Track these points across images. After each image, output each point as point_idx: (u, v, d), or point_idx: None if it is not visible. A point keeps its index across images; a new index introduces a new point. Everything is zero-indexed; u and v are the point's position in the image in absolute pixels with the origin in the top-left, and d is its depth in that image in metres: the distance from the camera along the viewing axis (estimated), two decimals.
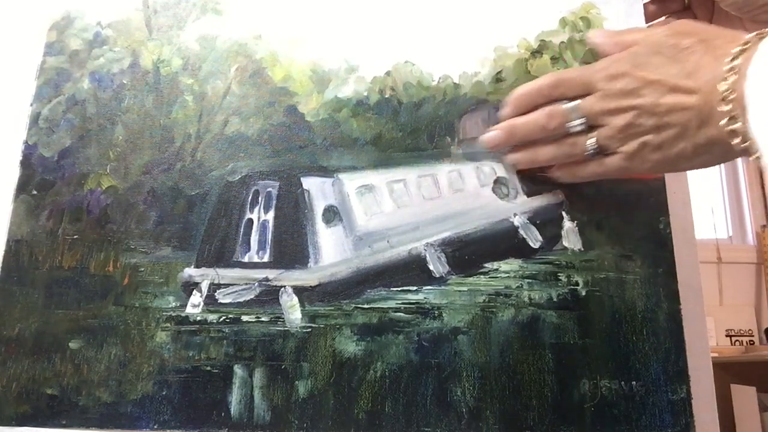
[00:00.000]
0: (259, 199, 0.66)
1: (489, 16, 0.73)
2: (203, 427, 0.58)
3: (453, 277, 0.64)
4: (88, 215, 0.66)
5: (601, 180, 0.67)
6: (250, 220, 0.65)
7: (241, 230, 0.65)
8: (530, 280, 0.64)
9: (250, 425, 0.58)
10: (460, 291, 0.63)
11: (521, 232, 0.66)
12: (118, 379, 0.60)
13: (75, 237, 0.65)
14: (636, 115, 0.53)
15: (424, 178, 0.67)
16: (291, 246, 0.64)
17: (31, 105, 0.69)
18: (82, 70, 0.71)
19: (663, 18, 0.73)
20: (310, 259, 0.63)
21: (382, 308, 0.62)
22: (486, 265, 0.64)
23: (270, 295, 0.62)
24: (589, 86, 0.57)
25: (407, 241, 0.65)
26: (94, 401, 0.59)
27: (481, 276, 0.64)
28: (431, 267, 0.64)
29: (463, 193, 0.67)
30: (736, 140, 0.47)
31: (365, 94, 0.70)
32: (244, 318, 0.62)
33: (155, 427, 0.58)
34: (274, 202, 0.66)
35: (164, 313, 0.62)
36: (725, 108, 0.47)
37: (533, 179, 0.67)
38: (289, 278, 0.63)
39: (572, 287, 0.63)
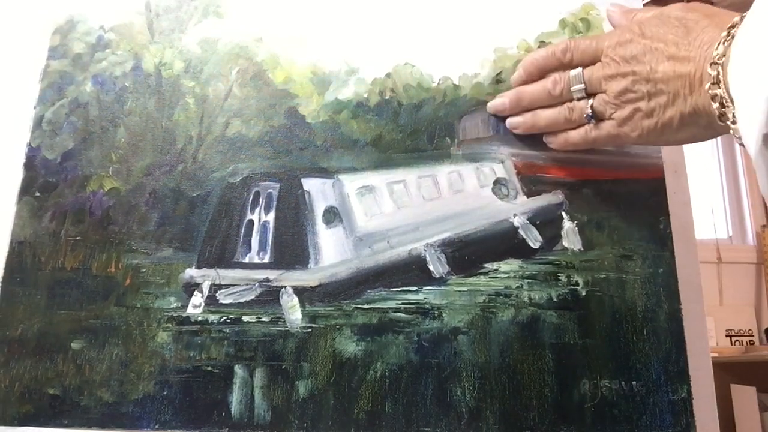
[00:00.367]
0: (260, 200, 0.66)
1: (489, 17, 0.74)
2: (204, 427, 0.59)
3: (453, 277, 0.64)
4: (90, 217, 0.66)
5: (600, 179, 0.67)
6: (251, 221, 0.66)
7: (242, 231, 0.65)
8: (530, 281, 0.64)
9: (250, 425, 0.59)
10: (460, 291, 0.63)
11: (521, 232, 0.66)
12: (119, 379, 0.60)
13: (77, 238, 0.65)
14: (633, 81, 0.54)
15: (424, 179, 0.68)
16: (291, 247, 0.64)
17: (35, 108, 0.70)
18: (84, 74, 0.71)
19: None
20: (310, 260, 0.64)
21: (382, 308, 0.62)
22: (486, 265, 0.64)
23: (270, 296, 0.63)
24: (597, 53, 0.58)
25: (407, 241, 0.65)
26: (96, 401, 0.60)
27: (481, 276, 0.64)
28: (431, 267, 0.64)
29: (463, 193, 0.68)
30: (715, 105, 0.47)
31: (365, 95, 0.70)
32: (245, 318, 0.62)
33: (156, 427, 0.59)
34: (275, 203, 0.66)
35: (165, 314, 0.62)
36: (712, 72, 0.47)
37: (533, 179, 0.68)
38: (290, 279, 0.63)
39: (572, 287, 0.63)
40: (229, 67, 0.71)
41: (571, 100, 0.62)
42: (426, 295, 0.63)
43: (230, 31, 0.73)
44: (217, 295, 0.63)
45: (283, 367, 0.60)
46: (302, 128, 0.69)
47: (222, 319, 0.62)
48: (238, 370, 0.60)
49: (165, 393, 0.60)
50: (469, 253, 0.65)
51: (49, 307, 0.63)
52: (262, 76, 0.71)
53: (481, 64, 0.71)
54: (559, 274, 0.64)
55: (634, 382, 0.59)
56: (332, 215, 0.65)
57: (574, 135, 0.63)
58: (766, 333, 2.53)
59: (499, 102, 0.67)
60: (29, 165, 0.68)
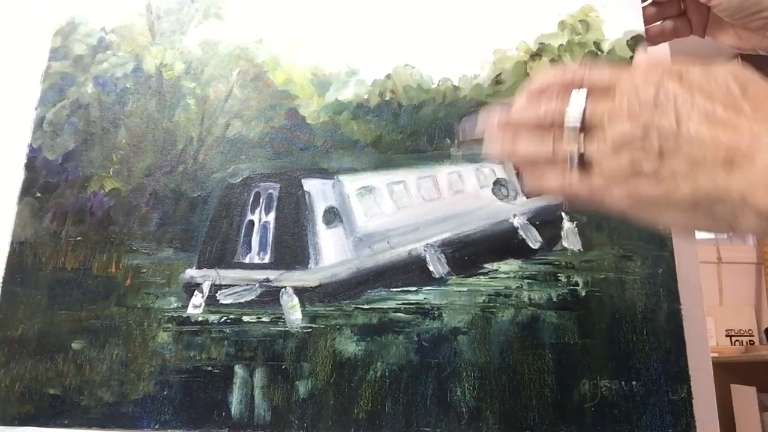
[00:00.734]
0: (260, 200, 0.66)
1: (488, 19, 0.74)
2: (204, 427, 0.59)
3: (453, 277, 0.64)
4: (91, 217, 0.66)
5: None
6: (251, 222, 0.66)
7: (242, 231, 0.65)
8: (530, 281, 0.64)
9: (250, 425, 0.59)
10: (459, 291, 0.63)
11: (521, 232, 0.66)
12: (119, 379, 0.60)
13: (78, 239, 0.66)
14: (646, 129, 0.39)
15: (424, 180, 0.68)
16: (292, 247, 0.64)
17: (36, 109, 0.70)
18: (86, 75, 0.72)
19: (660, 22, 0.74)
20: (310, 260, 0.64)
21: (382, 309, 0.62)
22: (486, 265, 0.64)
23: (271, 296, 0.63)
24: (612, 85, 0.42)
25: (407, 242, 0.65)
26: (96, 401, 0.60)
27: (481, 276, 0.64)
28: (431, 268, 0.64)
29: (463, 194, 0.68)
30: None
31: (365, 97, 0.70)
32: (245, 318, 0.62)
33: (156, 426, 0.59)
34: (275, 203, 0.66)
35: (166, 314, 0.62)
36: None
37: None
38: (290, 279, 0.63)
39: (572, 287, 0.63)
40: (229, 69, 0.72)
41: (561, 133, 0.44)
42: (426, 296, 0.63)
43: (231, 33, 0.73)
44: (217, 295, 0.63)
45: (283, 367, 0.60)
46: (302, 129, 0.69)
47: (222, 319, 0.62)
48: (239, 370, 0.60)
49: (165, 393, 0.60)
50: (469, 253, 0.65)
51: (50, 307, 0.63)
52: (262, 78, 0.71)
53: (480, 65, 0.72)
54: (558, 275, 0.64)
55: (634, 382, 0.59)
56: (332, 215, 0.65)
57: (552, 180, 0.46)
58: (766, 333, 2.53)
59: (487, 120, 0.49)
60: (30, 166, 0.68)
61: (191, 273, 0.64)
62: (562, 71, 0.46)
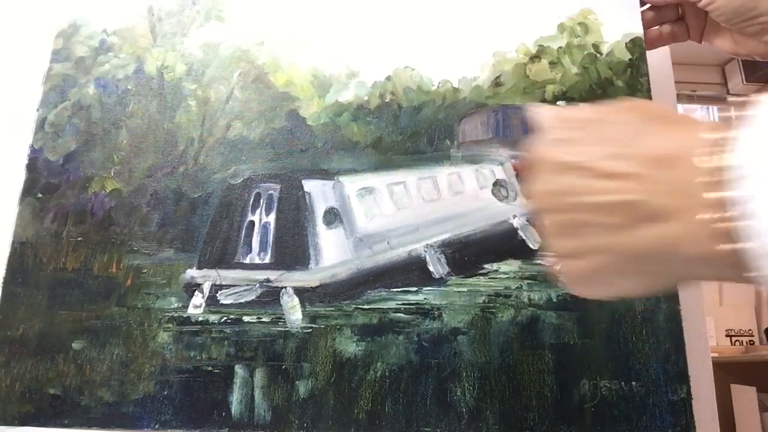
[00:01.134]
0: (261, 201, 0.67)
1: (488, 21, 0.74)
2: (204, 427, 0.59)
3: (453, 278, 0.64)
4: (92, 218, 0.67)
5: None
6: (252, 222, 0.66)
7: (243, 232, 0.66)
8: (530, 281, 0.64)
9: (250, 425, 0.59)
10: (459, 292, 0.63)
11: (520, 233, 0.66)
12: (120, 379, 0.60)
13: (79, 239, 0.66)
14: (556, 214, 0.37)
15: (424, 181, 0.68)
16: (292, 247, 0.65)
17: (38, 110, 0.71)
18: (87, 76, 0.72)
19: (658, 27, 0.74)
20: (310, 261, 0.64)
21: (383, 309, 0.63)
22: (486, 266, 0.65)
23: (271, 296, 0.63)
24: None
25: (407, 242, 0.65)
26: (96, 401, 0.60)
27: (481, 277, 0.64)
28: (431, 268, 0.64)
29: (463, 195, 0.68)
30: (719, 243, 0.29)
31: (366, 98, 0.71)
32: (246, 318, 0.62)
33: (156, 426, 0.59)
34: (276, 204, 0.66)
35: (166, 314, 0.63)
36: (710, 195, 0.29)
37: None
38: (290, 279, 0.63)
39: None
40: (230, 70, 0.72)
41: None
42: (426, 296, 0.63)
43: (232, 35, 0.74)
44: (217, 295, 0.63)
45: (284, 367, 0.60)
46: (303, 130, 0.70)
47: (222, 320, 0.62)
48: (239, 370, 0.60)
49: (165, 393, 0.60)
50: (469, 253, 0.65)
51: (50, 307, 0.63)
52: (263, 79, 0.72)
53: (480, 67, 0.72)
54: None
55: (634, 383, 0.60)
56: (333, 216, 0.66)
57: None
58: (766, 333, 2.52)
59: None
60: (31, 166, 0.69)
61: (192, 273, 0.64)
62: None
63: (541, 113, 0.40)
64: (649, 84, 0.72)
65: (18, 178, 0.68)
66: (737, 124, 0.30)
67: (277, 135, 0.69)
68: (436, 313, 0.62)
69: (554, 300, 0.63)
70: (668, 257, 0.32)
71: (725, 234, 0.29)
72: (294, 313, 0.62)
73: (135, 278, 0.64)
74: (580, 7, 0.74)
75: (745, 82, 2.75)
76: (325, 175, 0.67)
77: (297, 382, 0.60)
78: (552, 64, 0.73)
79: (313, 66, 0.72)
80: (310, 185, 0.67)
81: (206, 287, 0.63)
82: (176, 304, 0.63)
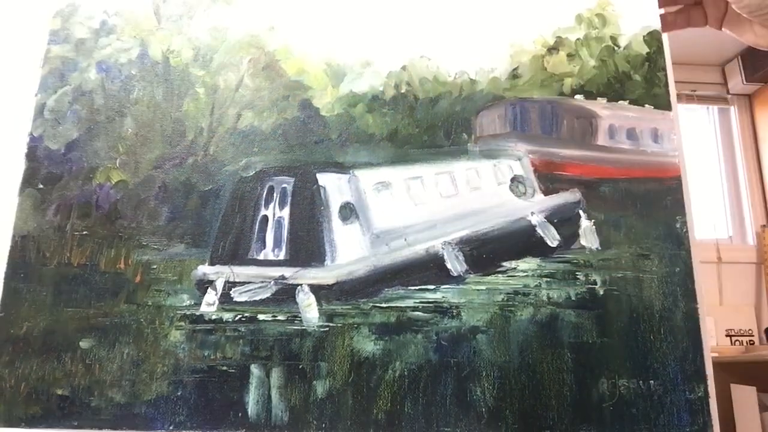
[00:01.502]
0: (274, 195, 0.65)
1: (505, 12, 0.72)
2: (220, 428, 0.57)
3: (471, 275, 0.63)
4: (97, 210, 0.64)
5: (617, 178, 0.67)
6: (265, 217, 0.64)
7: (256, 227, 0.64)
8: (548, 279, 0.63)
9: (267, 426, 0.57)
10: (478, 290, 0.63)
11: (539, 230, 0.66)
12: (131, 379, 0.58)
13: (84, 233, 0.63)
14: None
15: (441, 176, 0.66)
16: (307, 243, 0.63)
17: (36, 95, 0.67)
18: (88, 60, 0.68)
19: (675, 10, 0.73)
20: (326, 257, 0.62)
21: (400, 307, 0.61)
22: (504, 263, 0.64)
23: (286, 294, 0.61)
24: None
25: (425, 239, 0.64)
26: (107, 402, 0.58)
27: (499, 275, 0.63)
28: (449, 266, 0.63)
29: (481, 191, 0.67)
30: None
31: (381, 89, 0.69)
32: (261, 317, 0.61)
33: (171, 428, 0.57)
34: (290, 198, 0.64)
35: (178, 312, 0.61)
36: None
37: (551, 177, 0.67)
38: (306, 276, 0.61)
39: (590, 286, 0.63)
40: (240, 56, 0.69)
41: None
42: (444, 294, 0.62)
43: (241, 19, 0.70)
44: (231, 292, 0.61)
45: (300, 366, 0.59)
46: (316, 121, 0.67)
47: (237, 318, 0.60)
48: (255, 370, 0.59)
49: (179, 393, 0.58)
50: (487, 251, 0.64)
51: (56, 304, 0.61)
52: (274, 67, 0.69)
53: (497, 58, 0.70)
54: (577, 273, 0.64)
55: (652, 382, 0.60)
56: (348, 211, 0.64)
57: None
58: (766, 333, 2.57)
59: None
60: (31, 155, 0.65)
61: (204, 269, 0.62)
62: None
63: None
64: (667, 78, 0.71)
65: (17, 167, 0.64)
66: None
67: (290, 126, 0.67)
68: (454, 311, 0.62)
69: (573, 298, 0.62)
70: None
71: None
72: (310, 311, 0.61)
73: (144, 274, 0.62)
74: None
75: (745, 82, 2.77)
76: (340, 168, 0.66)
77: (314, 381, 0.59)
78: (570, 56, 0.72)
79: (327, 54, 0.70)
80: (324, 179, 0.65)
81: (219, 284, 0.61)
82: (188, 302, 0.61)
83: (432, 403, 0.59)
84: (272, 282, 0.61)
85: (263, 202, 0.64)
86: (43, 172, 0.65)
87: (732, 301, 2.65)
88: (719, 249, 2.70)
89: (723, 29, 0.72)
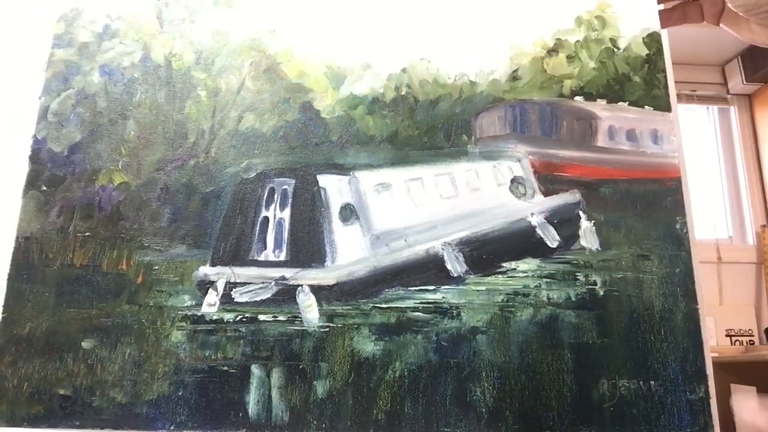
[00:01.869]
0: (275, 196, 0.65)
1: (505, 14, 0.73)
2: (221, 428, 0.57)
3: (471, 276, 0.63)
4: (99, 212, 0.64)
5: (617, 179, 0.67)
6: (266, 218, 0.64)
7: (257, 228, 0.64)
8: (548, 280, 0.63)
9: (268, 426, 0.58)
10: (478, 290, 0.63)
11: (539, 231, 0.66)
12: (132, 379, 0.59)
13: (86, 234, 0.64)
14: None
15: (441, 177, 0.67)
16: (308, 244, 0.63)
17: (40, 98, 0.68)
18: (91, 63, 0.69)
19: (672, 5, 0.73)
20: (327, 258, 0.63)
21: (400, 308, 0.62)
22: (504, 264, 0.64)
23: (287, 294, 0.61)
24: None
25: (425, 240, 0.64)
26: (109, 402, 0.58)
27: (499, 275, 0.64)
28: (449, 266, 0.63)
29: (481, 192, 0.67)
30: None
31: (381, 91, 0.69)
32: (261, 317, 0.61)
33: (172, 428, 0.57)
34: (290, 199, 0.65)
35: (180, 312, 0.61)
36: None
37: (550, 178, 0.67)
38: (306, 277, 0.62)
39: (590, 287, 0.63)
40: (241, 60, 0.70)
41: None
42: (444, 295, 0.62)
43: (242, 23, 0.71)
44: (232, 293, 0.61)
45: (301, 366, 0.59)
46: (317, 123, 0.68)
47: (238, 318, 0.61)
48: (255, 370, 0.59)
49: (180, 393, 0.58)
50: (487, 252, 0.64)
51: (58, 305, 0.61)
52: (275, 70, 0.69)
53: (497, 60, 0.71)
54: (577, 274, 0.64)
55: (653, 382, 0.60)
56: (349, 212, 0.64)
57: None
58: (766, 333, 2.56)
59: None
60: (35, 158, 0.66)
61: (205, 270, 0.62)
62: None
63: None
64: (666, 80, 0.72)
65: (21, 169, 0.65)
66: None
67: (291, 128, 0.68)
68: (454, 312, 0.62)
69: (573, 299, 0.63)
70: None
71: None
72: (310, 311, 0.61)
73: (146, 275, 0.62)
74: (597, 1, 0.73)
75: (745, 82, 2.76)
76: (341, 169, 0.66)
77: (315, 382, 0.59)
78: (569, 58, 0.72)
79: (327, 56, 0.70)
80: (325, 180, 0.65)
81: (220, 285, 0.62)
82: (190, 302, 0.61)
83: (432, 403, 0.59)
84: (273, 283, 0.62)
85: (264, 204, 0.65)
86: (47, 174, 0.65)
87: (732, 301, 2.63)
88: (719, 249, 2.69)
89: (721, 26, 0.72)
